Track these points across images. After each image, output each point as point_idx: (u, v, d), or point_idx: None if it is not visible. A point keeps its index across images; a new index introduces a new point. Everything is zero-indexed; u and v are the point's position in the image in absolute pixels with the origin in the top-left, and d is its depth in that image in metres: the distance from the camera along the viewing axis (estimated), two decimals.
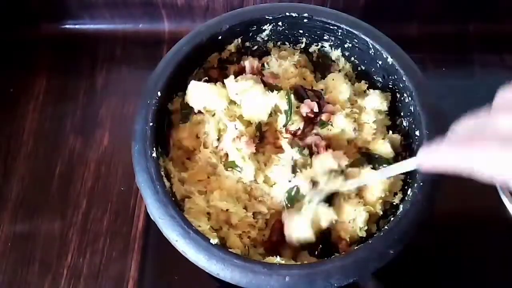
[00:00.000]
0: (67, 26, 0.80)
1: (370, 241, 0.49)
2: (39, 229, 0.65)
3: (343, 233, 0.55)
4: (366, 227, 0.55)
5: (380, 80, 0.62)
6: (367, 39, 0.59)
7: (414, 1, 0.76)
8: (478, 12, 0.79)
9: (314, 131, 0.58)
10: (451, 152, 0.39)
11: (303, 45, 0.65)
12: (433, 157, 0.40)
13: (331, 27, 0.61)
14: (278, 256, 0.52)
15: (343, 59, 0.65)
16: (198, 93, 0.58)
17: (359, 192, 0.56)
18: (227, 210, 0.55)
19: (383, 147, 0.58)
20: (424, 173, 0.51)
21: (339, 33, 0.61)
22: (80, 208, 0.67)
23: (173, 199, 0.52)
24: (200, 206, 0.55)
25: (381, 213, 0.56)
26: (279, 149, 0.58)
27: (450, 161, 0.38)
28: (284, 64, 0.63)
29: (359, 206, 0.55)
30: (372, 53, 0.60)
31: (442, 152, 0.39)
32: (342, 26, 0.60)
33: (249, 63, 0.61)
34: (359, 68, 0.64)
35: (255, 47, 0.65)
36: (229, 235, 0.55)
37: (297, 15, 0.60)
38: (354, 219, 0.54)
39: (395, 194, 0.57)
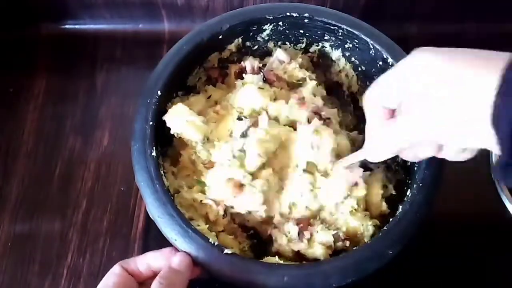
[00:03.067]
0: (67, 26, 0.80)
1: (369, 242, 0.49)
2: (39, 229, 0.65)
3: (348, 246, 0.54)
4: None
5: None
6: (368, 39, 0.59)
7: (414, 1, 0.76)
8: (478, 12, 0.78)
9: None
10: (388, 139, 0.44)
11: (303, 45, 0.65)
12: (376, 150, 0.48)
13: (332, 27, 0.61)
14: (276, 256, 0.52)
15: (344, 59, 0.65)
16: (177, 117, 0.55)
17: (365, 194, 0.56)
18: (201, 201, 0.54)
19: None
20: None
21: (340, 34, 0.61)
22: (80, 208, 0.66)
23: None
24: (187, 200, 0.55)
25: (389, 210, 0.55)
26: None
27: (391, 148, 0.44)
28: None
29: (365, 220, 0.54)
30: (373, 53, 0.59)
31: (383, 143, 0.45)
32: (342, 26, 0.60)
33: (249, 63, 0.62)
34: (359, 69, 0.64)
35: (256, 46, 0.65)
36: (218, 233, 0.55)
37: (297, 15, 0.60)
38: (361, 233, 0.54)
39: (386, 187, 0.57)
